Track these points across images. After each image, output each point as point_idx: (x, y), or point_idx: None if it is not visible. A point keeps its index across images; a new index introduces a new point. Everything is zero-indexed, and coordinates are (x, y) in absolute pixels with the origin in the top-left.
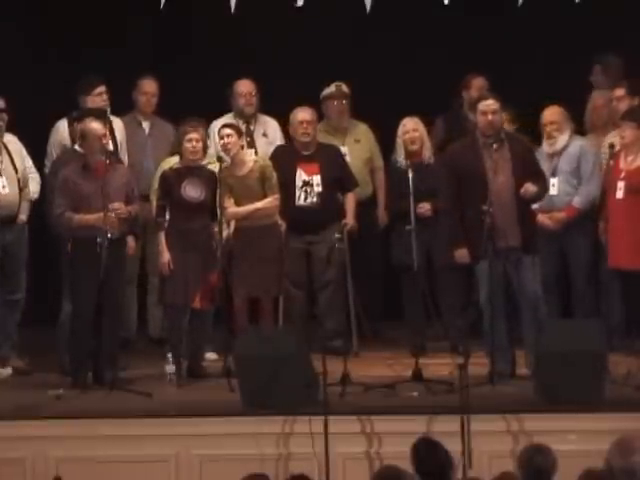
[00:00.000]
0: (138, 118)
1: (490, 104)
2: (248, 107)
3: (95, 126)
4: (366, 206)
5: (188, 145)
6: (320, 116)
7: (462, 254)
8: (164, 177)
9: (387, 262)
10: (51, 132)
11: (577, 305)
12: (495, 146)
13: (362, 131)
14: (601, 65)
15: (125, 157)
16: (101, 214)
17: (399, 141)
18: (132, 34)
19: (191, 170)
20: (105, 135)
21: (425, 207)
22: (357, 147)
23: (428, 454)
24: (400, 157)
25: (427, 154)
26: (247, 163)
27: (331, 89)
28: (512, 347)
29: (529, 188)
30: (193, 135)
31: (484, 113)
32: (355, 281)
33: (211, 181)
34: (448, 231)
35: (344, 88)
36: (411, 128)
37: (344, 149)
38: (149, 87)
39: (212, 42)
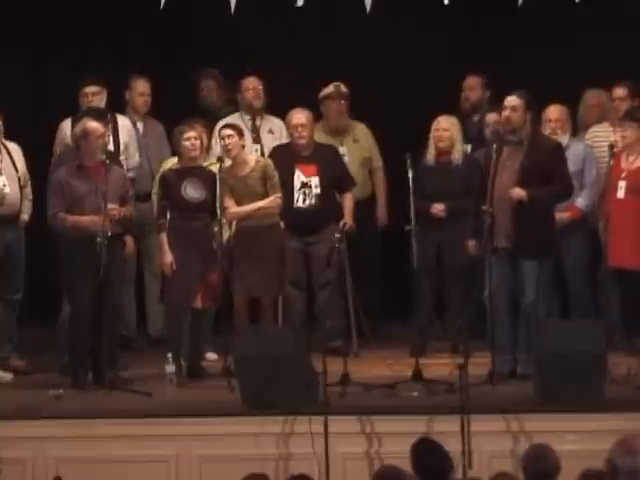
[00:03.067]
0: (132, 118)
1: (510, 100)
2: (256, 100)
3: (95, 125)
4: (366, 206)
5: (187, 143)
6: (319, 116)
7: (469, 246)
8: (164, 178)
9: (387, 262)
10: (57, 132)
11: (575, 306)
12: (495, 146)
13: (361, 131)
14: (214, 80)
15: (135, 157)
16: (94, 217)
17: (430, 137)
18: (132, 34)
19: (191, 170)
20: (105, 134)
21: (437, 208)
22: (356, 147)
23: (427, 455)
24: (429, 155)
25: (457, 155)
26: (248, 163)
27: (330, 89)
28: (514, 346)
29: (513, 193)
30: (191, 133)
31: (504, 108)
32: (355, 281)
33: (211, 181)
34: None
35: (343, 88)
36: (442, 127)
37: (343, 149)
38: (145, 87)
39: (212, 42)
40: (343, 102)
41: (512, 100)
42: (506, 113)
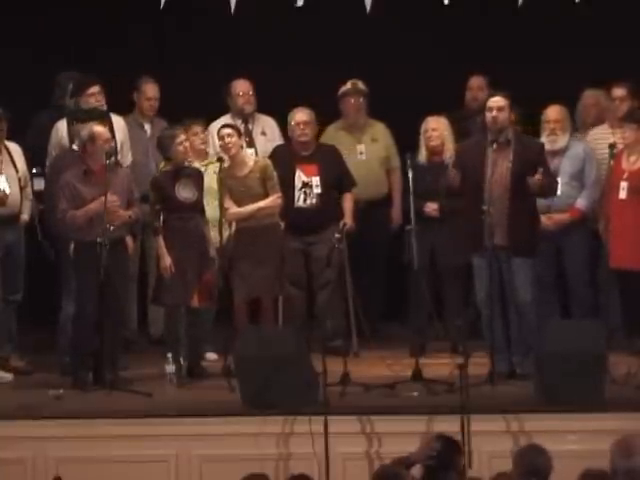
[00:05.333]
0: (139, 120)
1: (497, 100)
2: (247, 106)
3: (101, 130)
4: (381, 205)
5: (180, 148)
6: (322, 116)
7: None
8: (156, 181)
9: (390, 262)
10: (51, 133)
11: (575, 306)
12: (495, 145)
13: (379, 130)
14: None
15: (128, 156)
16: (102, 199)
17: (421, 138)
18: (132, 34)
19: (181, 171)
20: (111, 139)
21: (431, 207)
22: (374, 146)
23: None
24: (421, 155)
25: (448, 154)
26: (247, 163)
27: (347, 86)
28: (510, 347)
29: (534, 178)
30: (182, 137)
31: (490, 109)
32: (358, 281)
33: (200, 180)
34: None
35: (360, 85)
36: (431, 127)
37: (361, 147)
38: (153, 92)
39: (212, 42)
40: (361, 99)
41: (498, 100)
42: (493, 114)
